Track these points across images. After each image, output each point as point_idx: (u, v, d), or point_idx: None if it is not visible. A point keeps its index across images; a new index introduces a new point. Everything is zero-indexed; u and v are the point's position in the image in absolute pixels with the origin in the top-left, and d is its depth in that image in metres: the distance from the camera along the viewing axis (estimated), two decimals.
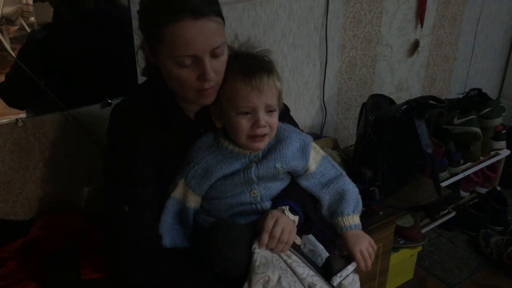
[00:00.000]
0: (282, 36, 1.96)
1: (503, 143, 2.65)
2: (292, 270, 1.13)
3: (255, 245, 1.11)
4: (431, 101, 1.79)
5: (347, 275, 1.18)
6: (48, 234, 1.45)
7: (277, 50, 1.97)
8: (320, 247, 1.33)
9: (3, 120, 1.43)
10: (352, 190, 1.25)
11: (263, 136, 1.15)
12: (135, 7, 1.48)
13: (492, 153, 2.63)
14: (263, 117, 1.13)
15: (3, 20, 1.44)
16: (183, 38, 1.04)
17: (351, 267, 1.20)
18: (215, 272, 1.12)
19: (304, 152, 1.21)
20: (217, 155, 1.19)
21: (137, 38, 1.51)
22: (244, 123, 1.13)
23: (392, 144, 1.80)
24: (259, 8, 1.84)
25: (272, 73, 1.14)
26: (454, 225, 2.64)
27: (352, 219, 1.22)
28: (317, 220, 1.28)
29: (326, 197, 1.24)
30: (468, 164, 2.51)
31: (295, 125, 1.40)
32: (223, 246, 1.09)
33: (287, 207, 1.18)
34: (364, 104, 1.93)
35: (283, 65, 2.02)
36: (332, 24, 2.10)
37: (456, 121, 2.46)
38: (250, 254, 1.10)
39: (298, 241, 1.22)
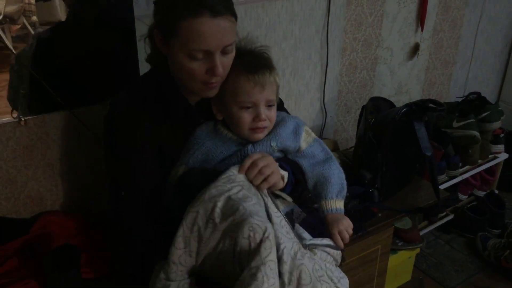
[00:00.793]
0: (284, 38, 1.97)
1: (501, 147, 2.66)
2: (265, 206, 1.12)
3: (234, 168, 1.12)
4: (430, 105, 1.80)
5: (317, 245, 1.17)
6: (49, 233, 1.45)
7: (278, 52, 1.97)
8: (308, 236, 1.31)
9: (5, 119, 1.44)
10: (337, 176, 1.27)
11: (263, 128, 1.20)
12: (138, 8, 1.49)
13: (491, 156, 2.64)
14: (264, 111, 1.19)
15: (6, 19, 1.45)
16: (200, 33, 1.08)
17: (322, 240, 1.19)
18: None
19: (297, 133, 1.26)
20: (217, 141, 1.23)
21: (140, 39, 1.52)
22: (246, 116, 1.18)
23: (391, 147, 1.81)
24: (261, 10, 1.85)
25: (273, 70, 1.20)
26: (452, 228, 2.65)
27: (334, 203, 1.25)
28: (305, 183, 1.29)
29: (311, 176, 1.27)
30: (467, 167, 2.52)
31: None
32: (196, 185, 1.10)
33: (277, 164, 1.20)
34: (364, 106, 1.94)
35: (284, 66, 2.03)
36: (333, 26, 2.11)
37: (455, 124, 2.47)
38: None
39: (288, 198, 1.24)
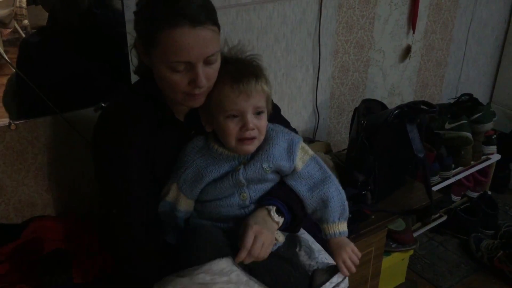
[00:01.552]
0: (275, 41, 1.97)
1: (493, 148, 2.67)
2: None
3: (228, 261, 1.11)
4: (422, 106, 1.81)
5: (334, 286, 1.19)
6: (40, 238, 1.44)
7: (270, 55, 1.98)
8: (318, 248, 1.31)
9: None
10: (336, 197, 1.22)
11: (252, 139, 1.14)
12: (129, 11, 1.49)
13: (483, 157, 2.65)
14: (252, 120, 1.13)
15: None
16: (179, 44, 1.04)
17: (336, 278, 1.20)
18: None
19: (290, 152, 1.20)
20: (207, 158, 1.19)
21: (131, 42, 1.52)
22: (233, 126, 1.13)
23: (384, 149, 1.82)
24: (253, 13, 1.85)
25: (260, 78, 1.14)
26: (446, 229, 2.66)
27: (337, 227, 1.21)
28: (305, 219, 1.27)
29: (309, 202, 1.22)
30: (459, 168, 2.53)
31: (287, 123, 1.41)
32: (199, 252, 1.10)
33: (274, 208, 1.18)
34: (356, 108, 1.94)
35: (276, 69, 2.03)
36: (324, 29, 2.11)
37: (447, 126, 2.48)
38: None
39: (281, 238, 1.22)
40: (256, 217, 1.16)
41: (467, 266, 2.46)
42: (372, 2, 2.23)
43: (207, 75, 1.10)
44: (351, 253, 1.22)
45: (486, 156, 2.66)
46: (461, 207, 2.70)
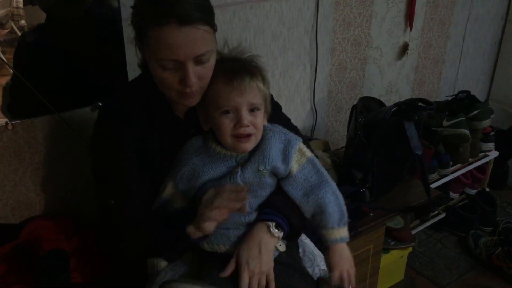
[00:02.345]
0: (273, 39, 1.97)
1: (491, 145, 2.68)
2: None
3: None
4: (420, 103, 1.81)
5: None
6: (38, 238, 1.44)
7: (268, 53, 1.97)
8: (319, 254, 1.31)
9: None
10: (333, 202, 1.18)
11: (248, 136, 1.13)
12: (125, 10, 1.49)
13: (481, 154, 2.66)
14: (246, 117, 1.11)
15: None
16: (167, 43, 1.04)
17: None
18: None
19: (286, 154, 1.18)
20: (205, 157, 1.18)
21: (128, 40, 1.52)
22: (227, 123, 1.12)
23: (382, 146, 1.82)
24: (250, 11, 1.85)
25: (255, 75, 1.13)
26: (444, 226, 2.66)
27: (337, 232, 1.18)
28: (304, 228, 1.27)
29: (306, 208, 1.20)
30: (457, 165, 2.53)
31: (287, 121, 1.40)
32: None
33: (273, 224, 1.17)
34: (354, 106, 1.94)
35: (274, 67, 2.03)
36: (322, 27, 2.11)
37: (445, 123, 2.48)
38: None
39: (282, 248, 1.21)
40: (253, 243, 1.16)
41: (465, 263, 2.46)
42: (369, 0, 2.23)
43: (199, 74, 1.09)
44: (348, 267, 1.18)
45: (484, 153, 2.67)
46: (460, 204, 2.70)
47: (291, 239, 1.26)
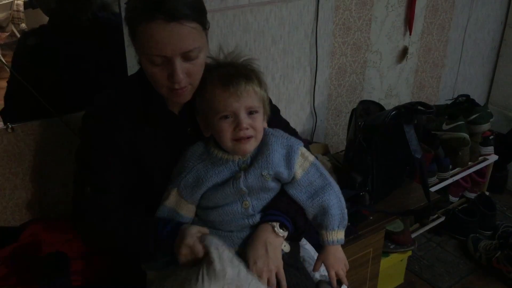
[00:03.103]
0: (273, 42, 1.97)
1: (491, 149, 2.68)
2: None
3: None
4: (419, 107, 1.81)
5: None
6: (38, 241, 1.44)
7: (268, 57, 1.98)
8: (312, 249, 1.34)
9: None
10: (336, 205, 1.21)
11: (248, 138, 1.14)
12: None
13: (480, 158, 2.66)
14: (245, 120, 1.13)
15: None
16: (153, 38, 1.06)
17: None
18: None
19: (289, 159, 1.19)
20: (207, 163, 1.19)
21: (128, 44, 1.52)
22: (227, 127, 1.13)
23: (381, 150, 1.82)
24: (250, 15, 1.86)
25: (251, 80, 1.14)
26: (444, 230, 2.66)
27: (336, 234, 1.22)
28: (307, 228, 1.28)
29: (310, 210, 1.23)
30: (457, 169, 2.54)
31: (286, 124, 1.41)
32: None
33: (278, 224, 1.18)
34: (354, 110, 1.94)
35: (274, 71, 2.03)
36: (322, 30, 2.12)
37: (444, 126, 2.49)
38: None
39: (286, 248, 1.22)
40: (259, 242, 1.17)
41: (465, 266, 2.46)
42: (369, 4, 2.24)
43: (187, 70, 1.11)
44: (343, 265, 1.25)
45: (483, 157, 2.67)
46: (459, 208, 2.70)
47: (295, 239, 1.27)
